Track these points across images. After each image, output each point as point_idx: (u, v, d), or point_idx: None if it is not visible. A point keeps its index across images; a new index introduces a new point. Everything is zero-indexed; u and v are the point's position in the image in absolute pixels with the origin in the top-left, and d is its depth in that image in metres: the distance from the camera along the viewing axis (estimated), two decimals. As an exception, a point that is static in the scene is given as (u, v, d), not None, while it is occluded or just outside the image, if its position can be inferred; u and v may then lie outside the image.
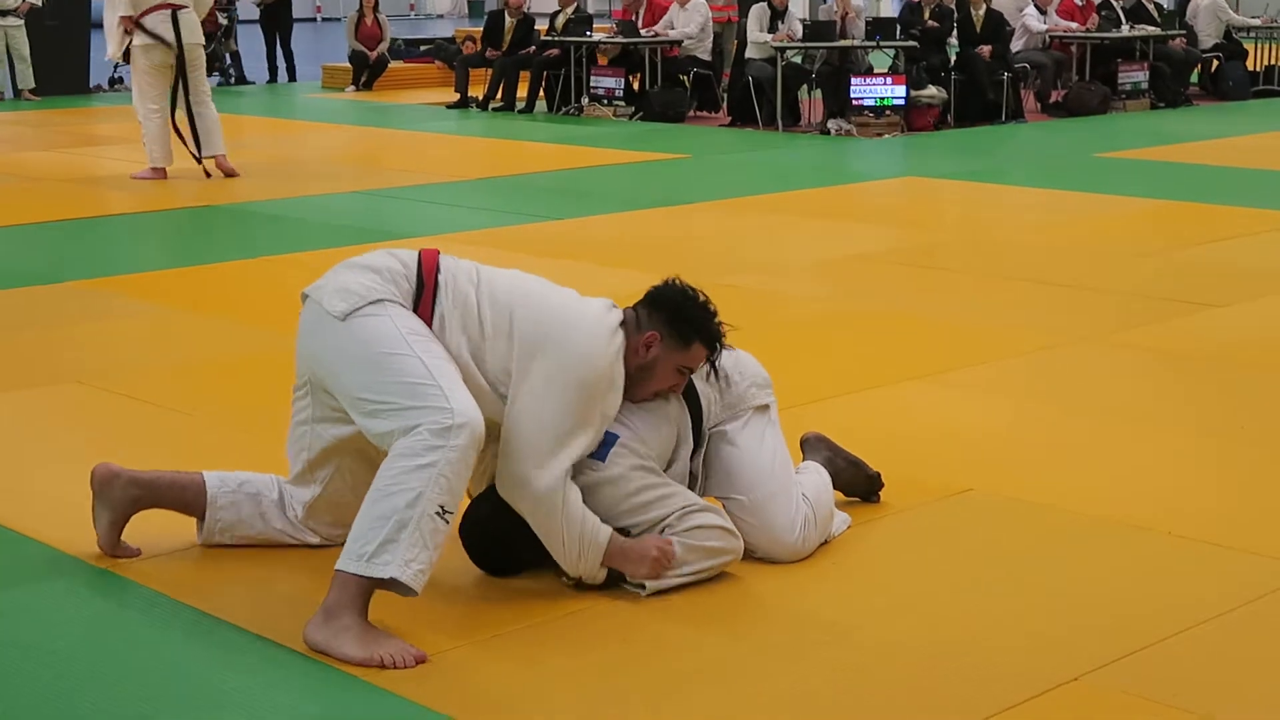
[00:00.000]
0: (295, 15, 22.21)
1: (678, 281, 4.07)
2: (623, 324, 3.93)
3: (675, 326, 3.96)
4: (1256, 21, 19.11)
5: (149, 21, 11.20)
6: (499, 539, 3.92)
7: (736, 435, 4.15)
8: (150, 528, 4.18)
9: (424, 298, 3.82)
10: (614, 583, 3.85)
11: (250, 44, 21.60)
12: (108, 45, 11.51)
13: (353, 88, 19.99)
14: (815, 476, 4.27)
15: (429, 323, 3.80)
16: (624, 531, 3.88)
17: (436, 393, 3.62)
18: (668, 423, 4.04)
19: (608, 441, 3.87)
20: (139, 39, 11.22)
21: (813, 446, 4.58)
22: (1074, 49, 17.03)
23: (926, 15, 16.03)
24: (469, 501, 3.94)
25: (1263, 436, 5.25)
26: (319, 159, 13.56)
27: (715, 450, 4.16)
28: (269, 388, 5.94)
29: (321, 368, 3.84)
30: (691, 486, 4.09)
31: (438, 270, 3.88)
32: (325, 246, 9.05)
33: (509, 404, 3.78)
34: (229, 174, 11.65)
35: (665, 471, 4.00)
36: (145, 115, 11.43)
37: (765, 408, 4.23)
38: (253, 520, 4.16)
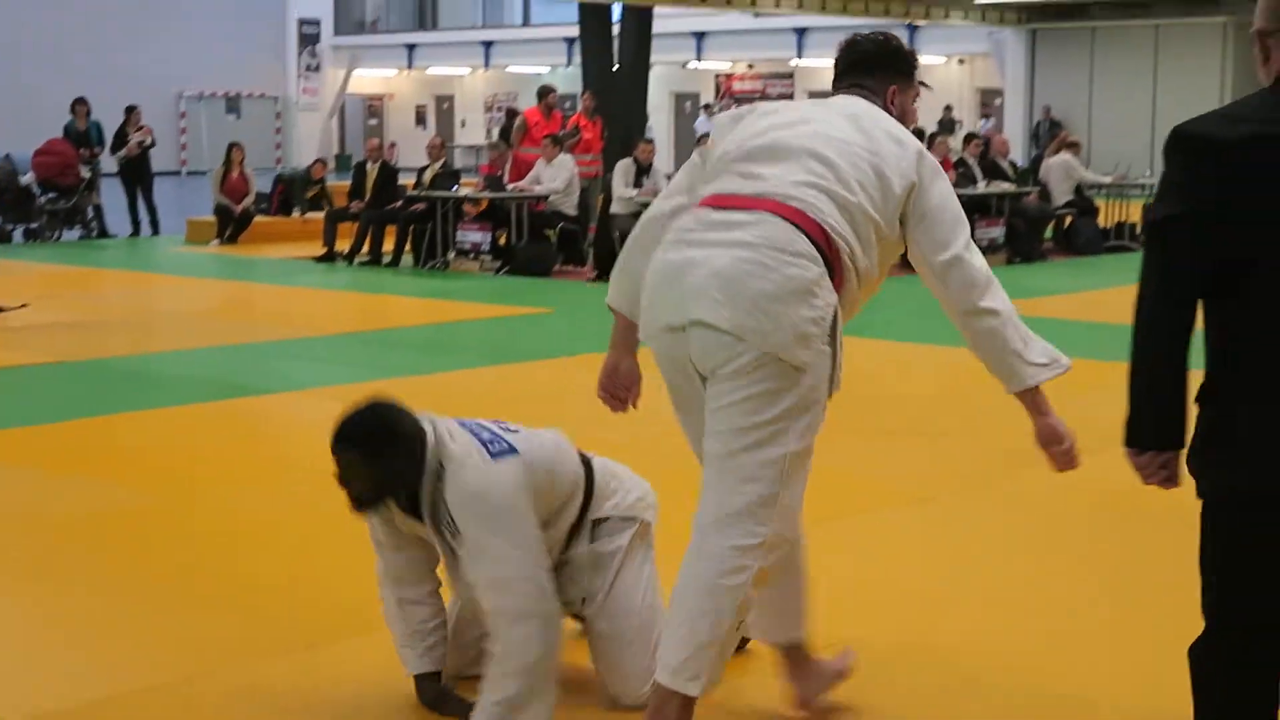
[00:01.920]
0: (161, 168, 22.13)
1: None
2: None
3: None
4: (1107, 179, 19.71)
5: None
6: None
7: (618, 553, 4.22)
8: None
9: None
10: None
11: (113, 198, 21.44)
12: None
13: (217, 241, 19.87)
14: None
15: None
16: None
17: None
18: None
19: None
20: None
21: None
22: (933, 205, 17.38)
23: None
24: None
25: (1140, 578, 5.29)
26: (181, 313, 13.43)
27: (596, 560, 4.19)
28: (126, 546, 5.81)
29: None
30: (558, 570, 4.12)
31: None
32: (185, 402, 8.94)
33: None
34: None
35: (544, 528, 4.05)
36: None
37: (649, 525, 4.26)
38: None
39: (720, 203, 3.77)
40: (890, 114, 3.96)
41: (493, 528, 3.86)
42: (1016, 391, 3.75)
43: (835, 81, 4.10)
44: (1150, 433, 3.01)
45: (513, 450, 4.01)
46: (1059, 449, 3.81)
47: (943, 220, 3.81)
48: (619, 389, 4.22)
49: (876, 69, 4.05)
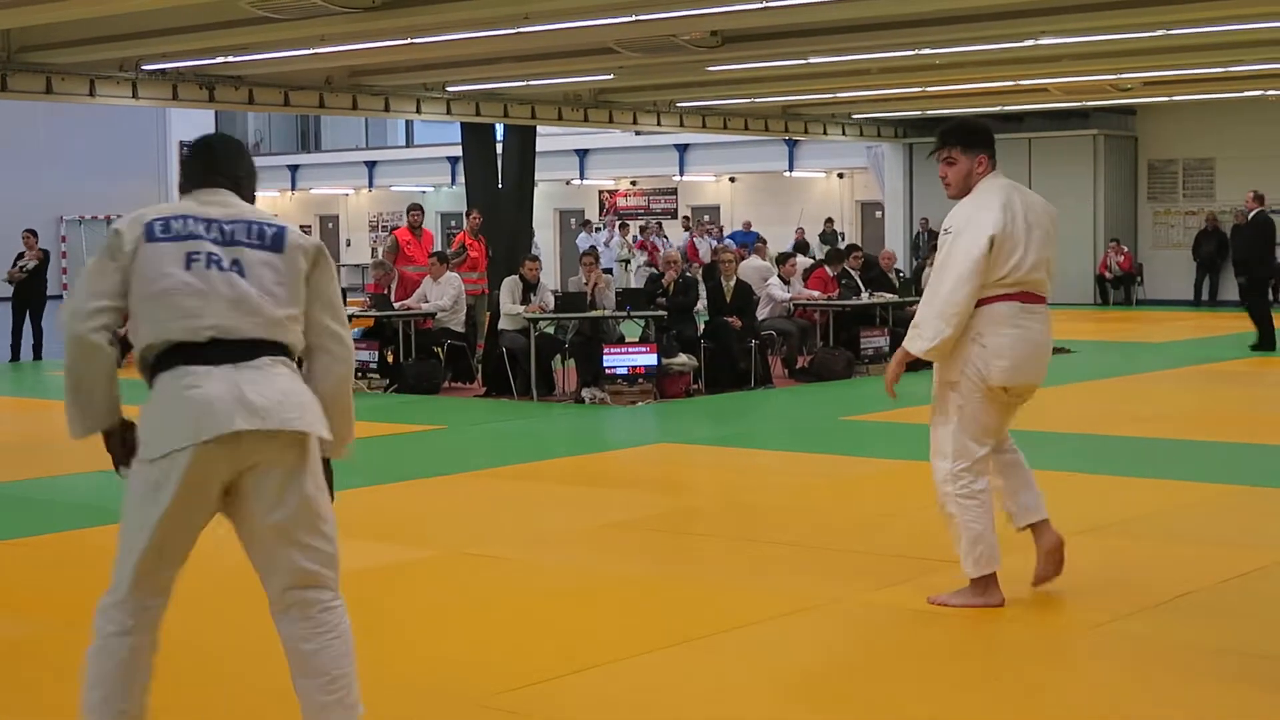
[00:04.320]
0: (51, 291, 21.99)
1: None
2: None
3: None
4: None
5: None
6: None
7: None
8: None
9: None
10: None
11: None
12: None
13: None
14: None
15: None
16: None
17: None
18: None
19: None
20: None
21: None
22: (818, 316, 17.64)
23: (671, 287, 16.47)
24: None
25: (1019, 690, 5.34)
26: (66, 438, 13.21)
27: None
28: (7, 679, 5.70)
29: None
30: None
31: None
32: (72, 528, 8.80)
33: None
34: None
35: None
36: None
37: None
38: None
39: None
40: None
41: None
42: None
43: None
44: None
45: None
46: None
47: None
48: None
49: None
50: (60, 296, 39.11)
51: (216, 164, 4.41)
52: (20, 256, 21.24)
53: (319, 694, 4.16)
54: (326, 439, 4.23)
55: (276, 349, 4.19)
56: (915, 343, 6.41)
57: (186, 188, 4.40)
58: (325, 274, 4.33)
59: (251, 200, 4.43)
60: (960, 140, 6.46)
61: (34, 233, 21.76)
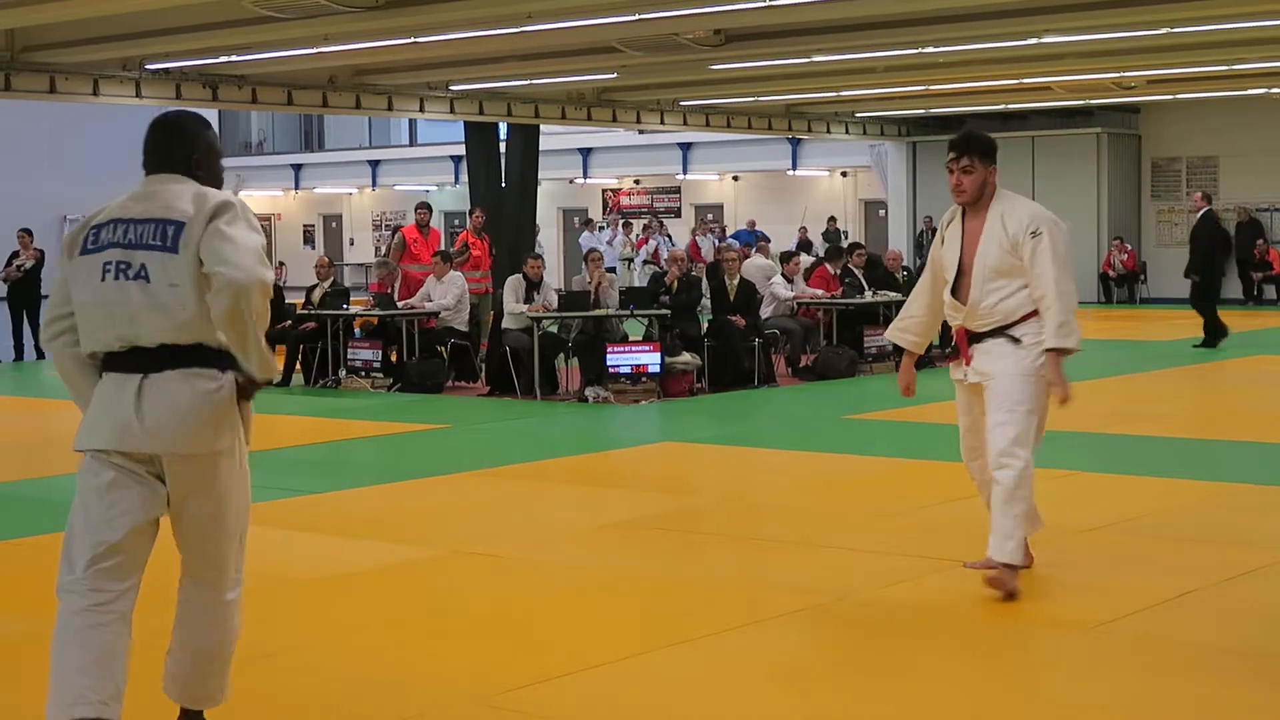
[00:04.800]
0: (48, 291, 21.94)
1: None
2: None
3: None
4: (990, 285, 19.99)
5: None
6: None
7: None
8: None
9: None
10: None
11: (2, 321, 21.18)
12: None
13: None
14: None
15: None
16: None
17: None
18: None
19: None
20: None
21: None
22: (821, 315, 17.64)
23: (674, 286, 16.47)
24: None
25: (1024, 691, 5.34)
26: (63, 437, 13.23)
27: None
28: (3, 677, 5.70)
29: None
30: None
31: None
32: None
33: None
34: None
35: None
36: None
37: None
38: None
39: None
40: None
41: None
42: None
43: None
44: None
45: None
46: None
47: None
48: None
49: None
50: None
51: (165, 147, 4.55)
52: (15, 255, 21.23)
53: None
54: (206, 454, 4.39)
55: (188, 353, 4.36)
56: (1071, 338, 6.49)
57: (144, 173, 4.59)
58: (214, 229, 4.32)
59: (213, 178, 4.56)
60: (979, 150, 6.81)
61: (29, 232, 21.76)
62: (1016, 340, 6.55)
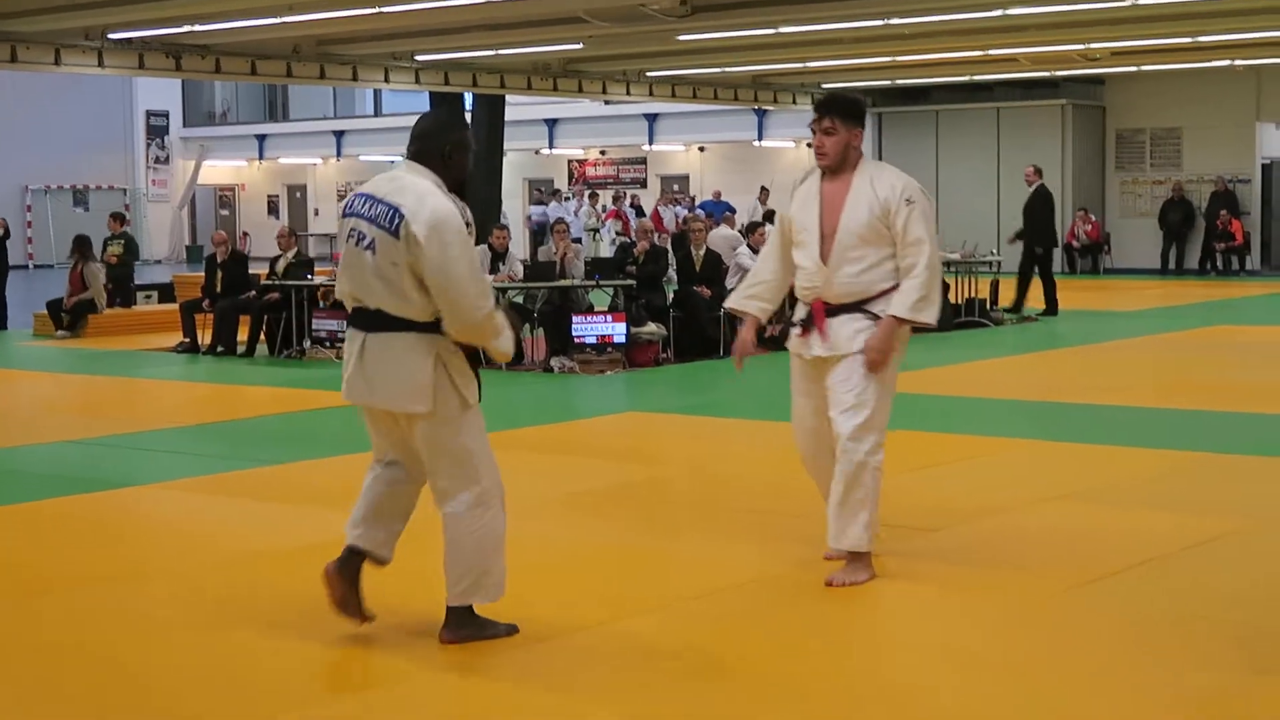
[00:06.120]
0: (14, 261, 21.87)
1: None
2: None
3: None
4: (955, 255, 19.98)
5: None
6: None
7: None
8: None
9: None
10: None
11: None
12: None
13: (64, 333, 19.55)
14: None
15: None
16: None
17: None
18: None
19: None
20: None
21: None
22: (786, 286, 17.64)
23: (642, 257, 16.46)
24: None
25: (1002, 658, 5.37)
26: (31, 407, 13.18)
27: None
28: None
29: None
30: None
31: None
32: (37, 498, 8.77)
33: None
34: None
35: None
36: None
37: None
38: None
39: None
40: None
41: None
42: None
43: None
44: None
45: None
46: None
47: None
48: None
49: None
50: (25, 266, 38.95)
51: (418, 138, 5.31)
52: None
53: None
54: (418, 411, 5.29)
55: (396, 321, 5.16)
56: (927, 312, 6.29)
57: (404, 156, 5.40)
58: (424, 253, 5.05)
59: (458, 170, 5.28)
60: (842, 111, 6.39)
61: None
62: (875, 317, 6.28)
